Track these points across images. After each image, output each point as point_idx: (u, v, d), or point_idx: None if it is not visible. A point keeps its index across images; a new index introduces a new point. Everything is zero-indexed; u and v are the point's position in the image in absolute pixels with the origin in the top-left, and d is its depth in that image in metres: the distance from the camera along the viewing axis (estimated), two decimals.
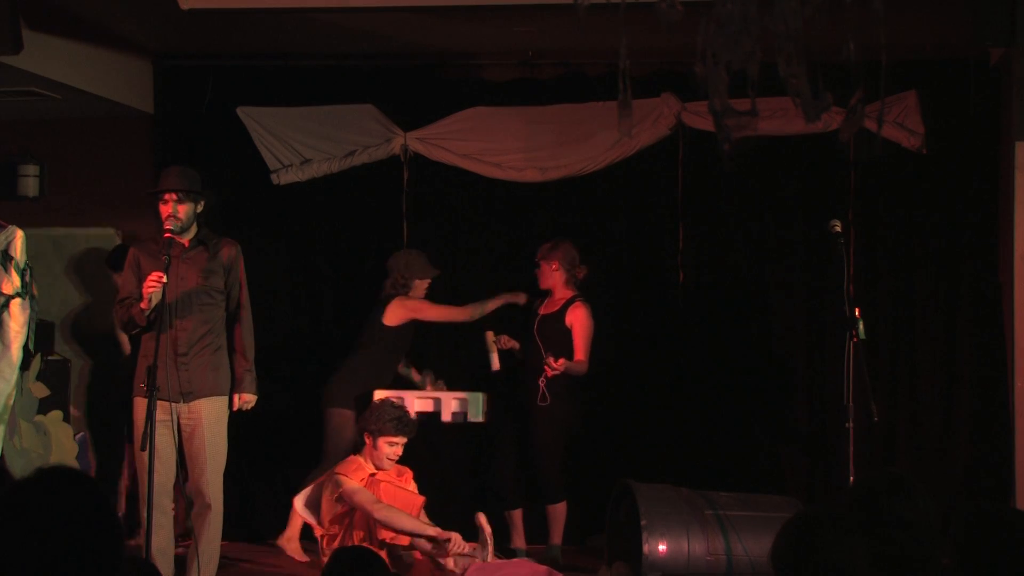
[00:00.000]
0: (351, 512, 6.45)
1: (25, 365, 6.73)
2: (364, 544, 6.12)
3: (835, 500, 7.19)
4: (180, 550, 6.80)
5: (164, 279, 6.18)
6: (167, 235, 6.36)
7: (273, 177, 8.23)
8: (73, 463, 7.19)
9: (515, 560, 6.75)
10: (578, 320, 7.49)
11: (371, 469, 6.58)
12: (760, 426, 8.09)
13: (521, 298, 7.72)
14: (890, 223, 8.03)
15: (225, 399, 6.52)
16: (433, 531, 6.38)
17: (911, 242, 8.02)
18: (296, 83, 8.33)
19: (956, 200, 7.92)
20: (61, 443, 7.34)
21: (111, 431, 7.65)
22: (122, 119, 8.32)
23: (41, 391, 7.26)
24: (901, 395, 7.98)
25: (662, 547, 6.45)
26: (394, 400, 6.90)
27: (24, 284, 6.46)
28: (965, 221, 7.90)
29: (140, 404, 6.32)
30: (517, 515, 7.57)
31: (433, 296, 7.91)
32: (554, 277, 7.59)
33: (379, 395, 7.22)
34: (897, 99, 7.71)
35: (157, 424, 6.12)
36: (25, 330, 6.46)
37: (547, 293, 7.67)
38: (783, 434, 8.09)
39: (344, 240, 8.37)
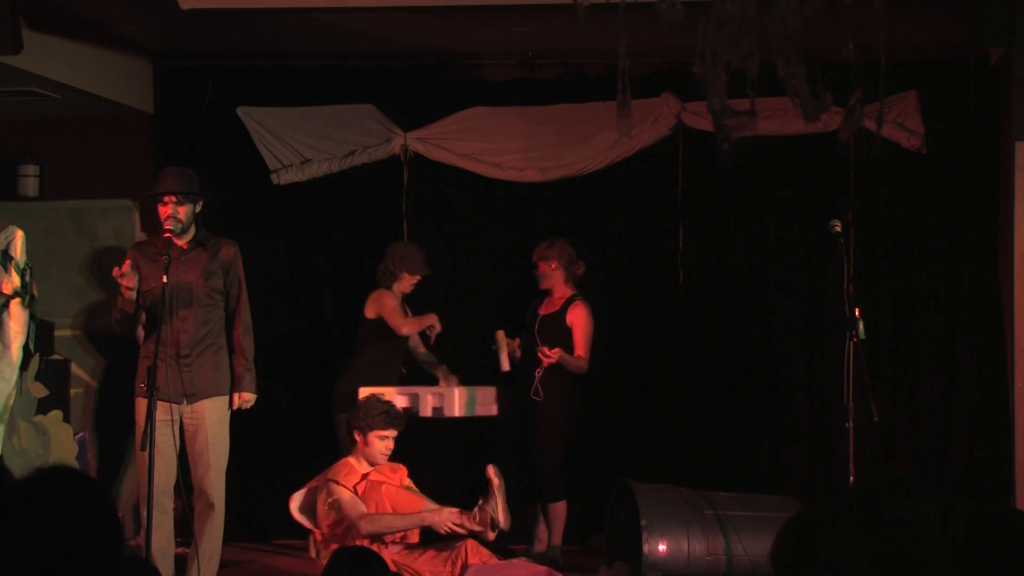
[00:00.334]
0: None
1: (25, 365, 6.73)
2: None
3: (835, 500, 7.20)
4: (180, 550, 6.81)
5: (127, 270, 6.23)
6: (167, 235, 6.37)
7: (273, 177, 8.24)
8: (73, 463, 7.18)
9: (514, 561, 6.74)
10: (578, 319, 7.50)
11: (364, 469, 6.57)
12: (760, 426, 8.10)
13: (438, 326, 7.55)
14: (890, 223, 8.02)
15: (227, 399, 6.55)
16: (425, 517, 6.38)
17: (911, 242, 8.02)
18: (296, 83, 8.33)
19: (956, 200, 7.92)
20: (61, 443, 7.33)
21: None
22: (122, 119, 8.32)
23: (40, 391, 7.26)
24: (901, 395, 7.98)
25: (662, 547, 6.45)
26: (380, 395, 6.90)
27: (24, 284, 6.46)
28: (965, 221, 7.90)
29: (141, 404, 6.34)
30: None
31: (431, 296, 7.91)
32: (554, 276, 7.60)
33: (364, 392, 7.24)
34: (897, 99, 7.72)
35: (158, 424, 6.15)
36: (25, 330, 6.46)
37: (545, 293, 7.68)
38: (783, 434, 8.09)
39: (344, 240, 8.36)
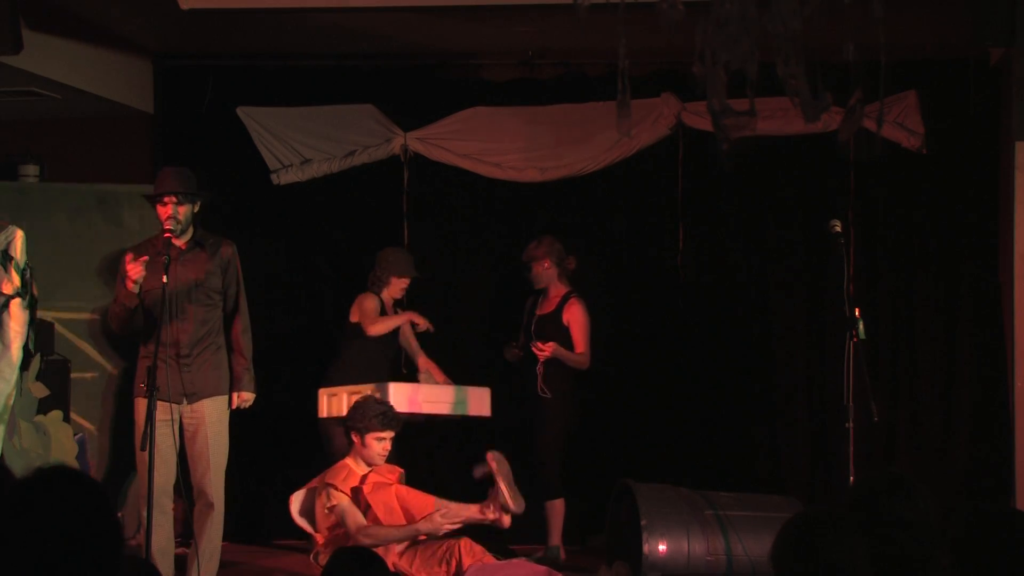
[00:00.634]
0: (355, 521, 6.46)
1: (25, 365, 6.73)
2: None
3: (835, 500, 7.20)
4: (180, 550, 6.81)
5: (146, 260, 6.24)
6: (167, 235, 6.37)
7: (273, 177, 8.24)
8: (73, 463, 7.18)
9: (514, 561, 6.74)
10: (574, 316, 7.52)
11: (363, 471, 6.57)
12: (760, 426, 8.10)
13: (420, 322, 7.55)
14: (890, 223, 8.03)
15: (227, 398, 6.56)
16: (420, 527, 6.37)
17: (911, 242, 8.02)
18: (296, 83, 8.33)
19: (956, 200, 7.92)
20: (61, 443, 7.33)
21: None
22: (122, 119, 8.32)
23: (41, 391, 7.25)
24: (901, 395, 7.98)
25: (662, 547, 6.45)
26: (376, 396, 6.90)
27: (24, 284, 6.46)
28: (965, 221, 7.90)
29: (140, 404, 6.34)
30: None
31: (431, 295, 7.91)
32: (548, 275, 7.62)
33: (322, 393, 7.27)
34: (897, 99, 7.72)
35: (158, 424, 6.14)
36: (25, 330, 6.46)
37: (540, 292, 7.69)
38: (783, 434, 8.09)
39: (344, 240, 8.36)
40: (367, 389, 7.14)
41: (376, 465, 6.59)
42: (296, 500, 6.81)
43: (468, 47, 8.13)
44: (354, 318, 7.58)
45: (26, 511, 2.46)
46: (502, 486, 6.36)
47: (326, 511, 6.48)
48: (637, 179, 8.20)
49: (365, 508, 6.44)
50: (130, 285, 6.33)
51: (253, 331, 6.80)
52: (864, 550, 3.10)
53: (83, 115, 8.27)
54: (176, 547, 6.70)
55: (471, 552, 6.42)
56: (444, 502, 6.47)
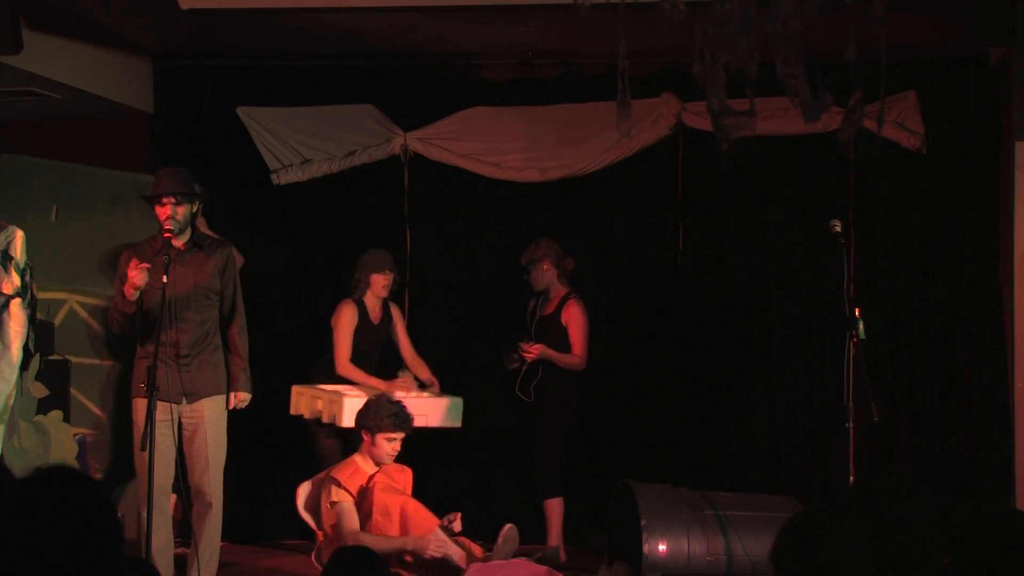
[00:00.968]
0: (353, 521, 6.46)
1: (25, 365, 6.73)
2: None
3: (835, 500, 7.20)
4: (180, 550, 6.81)
5: (149, 267, 6.24)
6: (167, 235, 6.38)
7: (273, 177, 8.23)
8: (73, 463, 7.18)
9: (514, 560, 6.74)
10: (572, 318, 7.54)
11: (370, 470, 6.57)
12: (760, 426, 8.10)
13: (409, 387, 7.47)
14: (890, 223, 8.02)
15: (224, 398, 6.58)
16: (407, 543, 6.37)
17: (911, 242, 8.02)
18: (296, 83, 8.33)
19: (956, 200, 7.92)
20: (61, 443, 7.32)
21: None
22: (122, 119, 8.31)
23: (40, 391, 7.25)
24: (901, 395, 7.98)
25: (662, 547, 6.45)
26: (390, 396, 6.90)
27: (24, 284, 6.46)
28: (965, 221, 7.90)
29: (140, 405, 6.36)
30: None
31: (432, 296, 7.90)
32: (548, 276, 7.64)
33: (295, 390, 7.31)
34: (897, 99, 7.71)
35: (157, 424, 6.15)
36: (25, 330, 6.46)
37: (540, 294, 7.70)
38: (783, 434, 8.09)
39: (344, 240, 8.36)
40: (329, 389, 7.23)
41: (384, 464, 6.59)
42: (302, 492, 6.81)
43: (468, 47, 8.13)
44: (332, 323, 7.59)
45: (26, 511, 2.46)
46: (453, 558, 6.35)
47: (328, 506, 6.49)
48: (637, 179, 8.20)
49: (368, 507, 6.44)
50: (130, 293, 6.32)
51: (253, 331, 6.81)
52: (864, 550, 3.10)
53: (83, 115, 8.26)
54: (175, 547, 6.69)
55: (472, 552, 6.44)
56: (440, 532, 6.43)
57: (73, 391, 7.49)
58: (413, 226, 8.31)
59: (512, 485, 7.92)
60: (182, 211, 6.46)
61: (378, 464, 6.59)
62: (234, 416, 6.67)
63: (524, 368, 7.56)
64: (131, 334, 6.55)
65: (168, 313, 6.29)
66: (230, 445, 6.64)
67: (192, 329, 6.46)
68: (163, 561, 6.31)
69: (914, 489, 3.46)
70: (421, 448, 7.76)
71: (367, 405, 6.71)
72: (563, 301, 7.60)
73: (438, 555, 6.30)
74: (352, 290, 7.65)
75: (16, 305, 6.44)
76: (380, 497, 6.43)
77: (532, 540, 7.53)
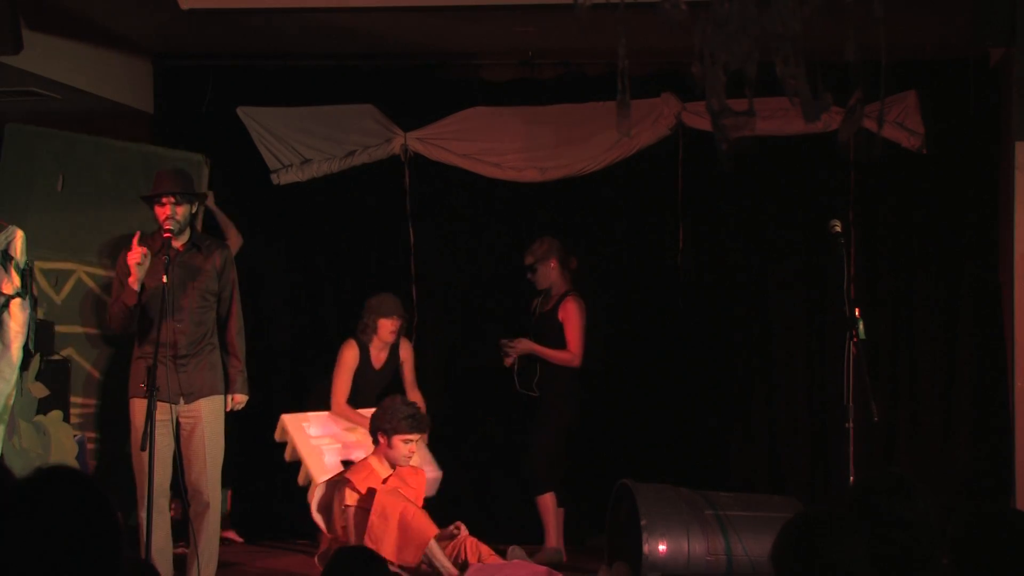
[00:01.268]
0: (361, 524, 6.46)
1: (25, 365, 6.73)
2: None
3: (835, 500, 7.19)
4: (179, 550, 6.81)
5: (147, 253, 6.27)
6: (166, 235, 6.39)
7: (273, 177, 8.24)
8: (73, 463, 7.18)
9: (514, 561, 6.75)
10: (568, 314, 7.55)
11: (385, 472, 6.58)
12: (760, 426, 8.10)
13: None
14: (890, 223, 8.02)
15: (222, 398, 6.58)
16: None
17: (911, 242, 8.02)
18: (296, 83, 8.33)
19: (956, 200, 7.92)
20: (61, 443, 7.32)
21: None
22: (122, 119, 8.31)
23: (40, 391, 7.25)
24: (901, 395, 7.98)
25: (662, 547, 6.45)
26: (404, 398, 6.90)
27: (24, 284, 6.46)
28: (965, 221, 7.90)
29: (138, 405, 6.36)
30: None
31: (431, 296, 7.90)
32: (552, 274, 7.65)
33: (286, 419, 7.32)
34: (897, 99, 7.71)
35: (156, 424, 6.15)
36: (25, 330, 6.46)
37: (542, 293, 7.71)
38: (783, 434, 8.09)
39: (344, 240, 8.37)
40: (309, 445, 7.25)
41: (400, 466, 6.60)
42: (316, 493, 6.80)
43: (468, 47, 8.13)
44: (338, 360, 7.58)
45: (26, 511, 2.46)
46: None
47: (341, 509, 6.49)
48: (637, 179, 8.20)
49: (369, 507, 6.45)
50: (134, 283, 6.31)
51: (253, 331, 6.82)
52: (864, 550, 3.10)
53: (83, 115, 8.26)
54: (174, 547, 6.69)
55: (476, 551, 6.44)
56: (435, 545, 6.44)
57: (78, 358, 7.51)
58: (414, 226, 8.30)
59: (512, 485, 7.92)
60: (181, 211, 6.47)
61: (393, 466, 6.60)
62: (233, 416, 6.67)
63: (516, 364, 7.57)
64: (130, 330, 6.53)
65: (166, 313, 6.29)
66: (231, 445, 6.64)
67: (190, 330, 6.46)
68: (163, 561, 6.31)
69: (914, 489, 3.46)
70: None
71: (383, 408, 6.70)
72: (561, 299, 7.61)
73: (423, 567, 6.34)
74: (360, 334, 7.58)
75: (16, 305, 6.44)
76: (381, 499, 6.44)
77: (532, 540, 7.54)
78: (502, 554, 6.81)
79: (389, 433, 6.57)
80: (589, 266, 8.00)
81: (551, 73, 8.28)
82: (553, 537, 7.51)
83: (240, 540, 7.87)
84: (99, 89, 7.80)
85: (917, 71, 7.74)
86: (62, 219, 7.50)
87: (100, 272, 7.56)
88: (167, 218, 6.44)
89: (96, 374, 7.56)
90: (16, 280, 6.42)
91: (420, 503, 6.73)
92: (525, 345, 7.51)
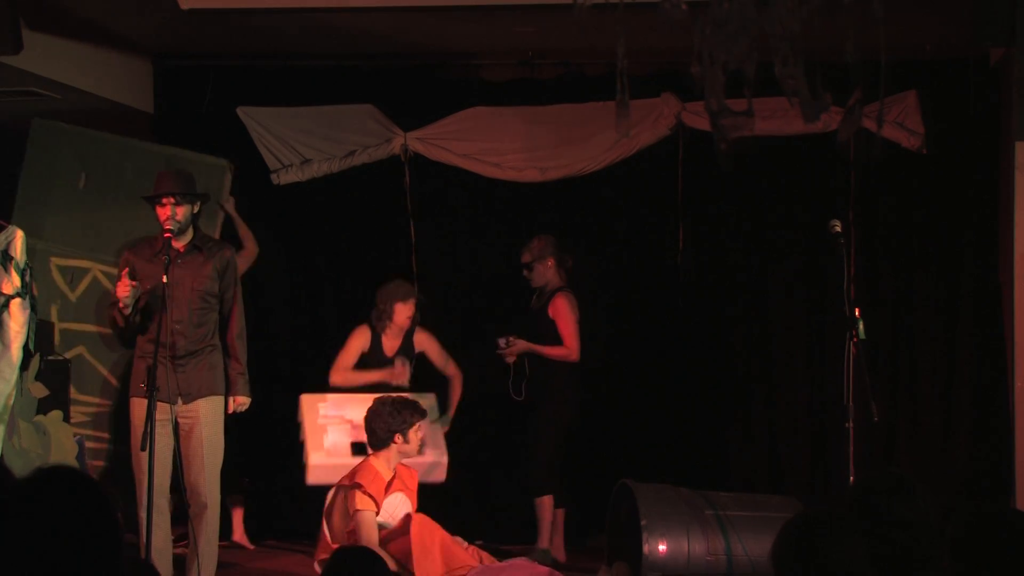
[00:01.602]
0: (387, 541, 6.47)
1: (25, 365, 6.73)
2: None
3: (835, 500, 7.19)
4: (179, 550, 6.81)
5: (136, 286, 6.31)
6: (167, 236, 6.39)
7: (273, 177, 8.24)
8: (73, 463, 7.18)
9: (515, 561, 6.74)
10: (559, 311, 7.56)
11: (387, 475, 6.59)
12: (760, 426, 8.10)
13: (397, 378, 7.49)
14: (890, 223, 8.03)
15: (222, 399, 6.57)
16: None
17: (911, 242, 8.02)
18: (296, 83, 8.33)
19: (956, 200, 7.92)
20: (60, 443, 7.32)
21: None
22: (122, 119, 8.31)
23: (40, 391, 7.25)
24: (901, 395, 7.98)
25: (662, 547, 6.45)
26: (389, 397, 6.89)
27: (24, 284, 6.46)
28: (965, 221, 7.90)
29: (138, 405, 6.36)
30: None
31: (431, 296, 7.90)
32: (549, 272, 7.66)
33: (304, 400, 7.28)
34: (897, 99, 7.71)
35: (156, 424, 6.15)
36: (25, 330, 6.46)
37: (539, 291, 7.72)
38: (783, 434, 8.09)
39: (344, 240, 8.37)
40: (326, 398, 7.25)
41: (412, 456, 6.67)
42: (329, 499, 6.77)
43: (468, 47, 8.13)
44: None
45: (26, 511, 2.46)
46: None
47: (350, 514, 6.47)
48: (637, 179, 8.20)
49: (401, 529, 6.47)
50: (121, 308, 6.35)
51: (253, 331, 6.81)
52: (864, 550, 3.10)
53: (83, 115, 8.26)
54: (174, 547, 6.69)
55: (476, 554, 6.45)
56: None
57: (89, 357, 7.51)
58: (414, 226, 8.30)
59: (511, 485, 7.92)
60: (182, 212, 6.47)
61: (407, 456, 6.66)
62: (233, 417, 6.66)
63: (513, 364, 7.58)
64: (131, 340, 6.56)
65: (166, 314, 6.29)
66: (230, 445, 6.64)
67: (189, 331, 6.46)
68: (163, 561, 6.31)
69: (914, 489, 3.46)
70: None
71: (383, 412, 6.66)
72: (551, 296, 7.62)
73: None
74: (376, 322, 7.55)
75: (16, 305, 6.44)
76: (418, 529, 6.39)
77: (532, 540, 7.54)
78: (502, 555, 6.82)
79: (404, 430, 6.60)
80: (589, 266, 8.00)
81: (551, 73, 8.28)
82: (545, 538, 7.51)
83: (252, 548, 7.83)
84: (99, 89, 7.80)
85: (917, 71, 7.74)
86: (81, 217, 7.49)
87: (116, 272, 7.56)
88: (167, 218, 6.44)
89: (107, 373, 7.57)
90: (16, 280, 6.42)
91: (415, 503, 6.74)
92: (522, 344, 7.51)
